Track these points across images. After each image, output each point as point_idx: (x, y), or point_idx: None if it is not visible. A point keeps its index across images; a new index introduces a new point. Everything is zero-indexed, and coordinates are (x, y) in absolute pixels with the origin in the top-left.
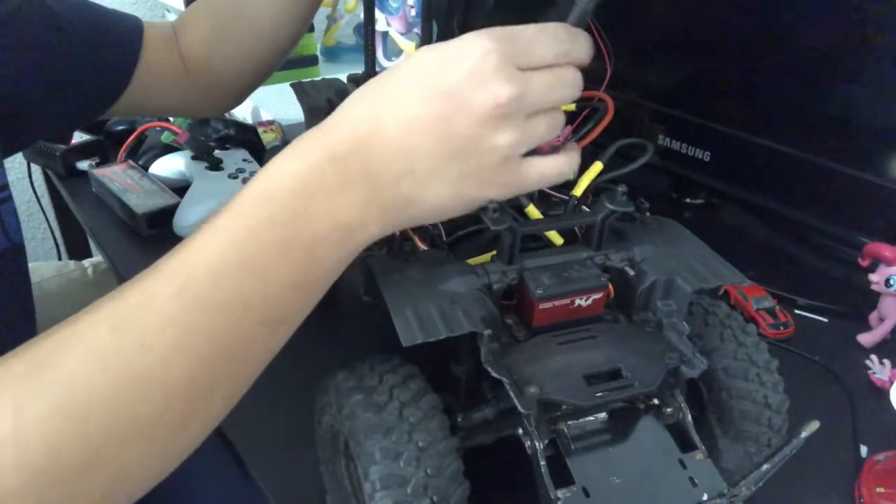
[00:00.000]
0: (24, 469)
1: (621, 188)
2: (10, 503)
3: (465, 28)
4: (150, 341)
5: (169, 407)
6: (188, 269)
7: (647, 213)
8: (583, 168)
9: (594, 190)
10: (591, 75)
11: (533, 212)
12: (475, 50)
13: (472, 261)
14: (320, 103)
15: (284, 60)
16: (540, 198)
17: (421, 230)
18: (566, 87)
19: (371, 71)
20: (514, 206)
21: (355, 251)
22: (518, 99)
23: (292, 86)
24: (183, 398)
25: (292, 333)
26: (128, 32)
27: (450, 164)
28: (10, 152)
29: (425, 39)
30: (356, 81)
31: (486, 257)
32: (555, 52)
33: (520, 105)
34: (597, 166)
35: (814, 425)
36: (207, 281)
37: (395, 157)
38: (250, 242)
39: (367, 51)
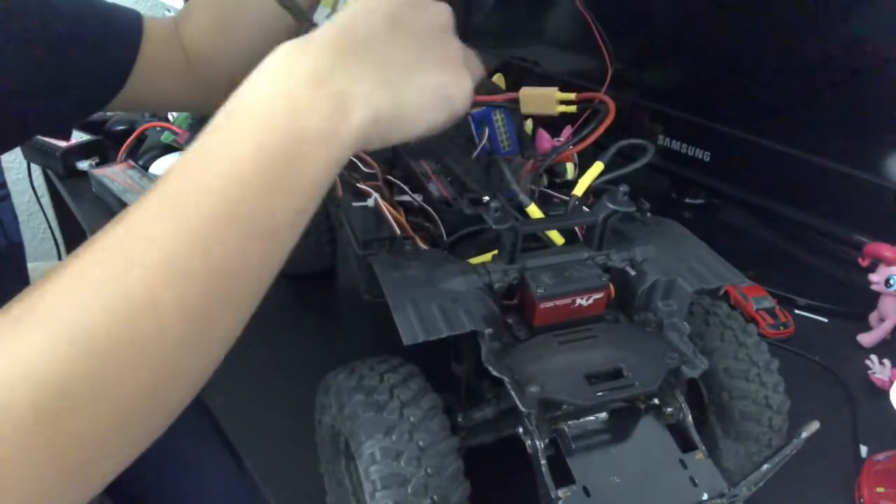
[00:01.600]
0: (36, 402)
1: (623, 188)
2: (29, 441)
3: (465, 28)
4: (134, 261)
5: (164, 328)
6: (168, 188)
7: (648, 214)
8: (584, 168)
9: (594, 191)
10: (592, 76)
11: (534, 211)
12: None
13: (474, 260)
14: None
15: None
16: (541, 198)
17: (422, 230)
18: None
19: None
20: (515, 206)
21: (345, 148)
22: None
23: None
24: (177, 319)
25: (288, 251)
26: (127, 26)
27: (422, 51)
28: (8, 148)
29: None
30: None
31: (487, 257)
32: None
33: None
34: (597, 166)
35: (814, 426)
36: (188, 196)
37: (373, 49)
38: (227, 151)
39: None
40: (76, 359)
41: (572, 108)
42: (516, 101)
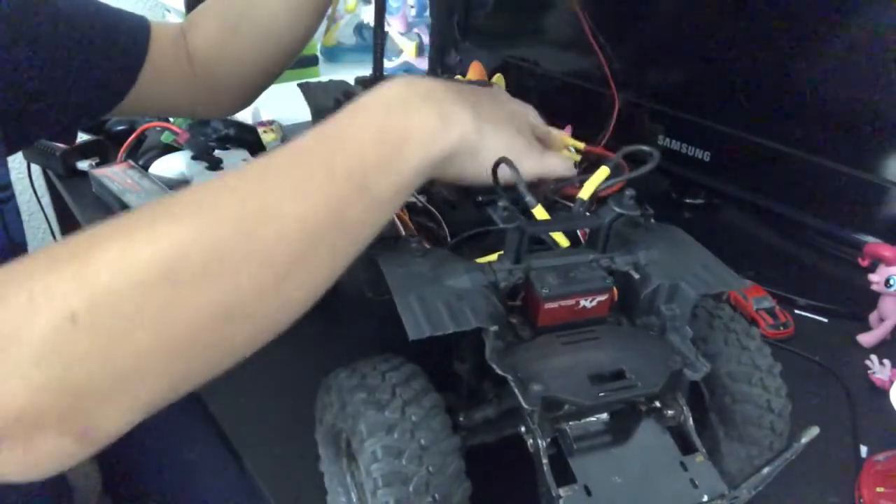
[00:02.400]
0: (161, 268)
1: (629, 192)
2: (155, 297)
3: (465, 28)
4: (268, 185)
5: (283, 236)
6: (301, 144)
7: (652, 220)
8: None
9: (598, 197)
10: (592, 76)
11: (541, 213)
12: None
13: (479, 260)
14: (328, 104)
15: (293, 61)
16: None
17: (426, 230)
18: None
19: (378, 74)
20: (521, 208)
21: (436, 157)
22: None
23: (300, 86)
24: (295, 232)
25: (381, 223)
26: (134, 32)
27: (506, 121)
28: (15, 150)
29: (431, 39)
30: (364, 84)
31: (492, 257)
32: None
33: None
34: (603, 171)
35: (813, 431)
36: (317, 154)
37: (465, 99)
38: (352, 133)
39: (376, 54)
40: (197, 239)
41: (576, 157)
42: None
